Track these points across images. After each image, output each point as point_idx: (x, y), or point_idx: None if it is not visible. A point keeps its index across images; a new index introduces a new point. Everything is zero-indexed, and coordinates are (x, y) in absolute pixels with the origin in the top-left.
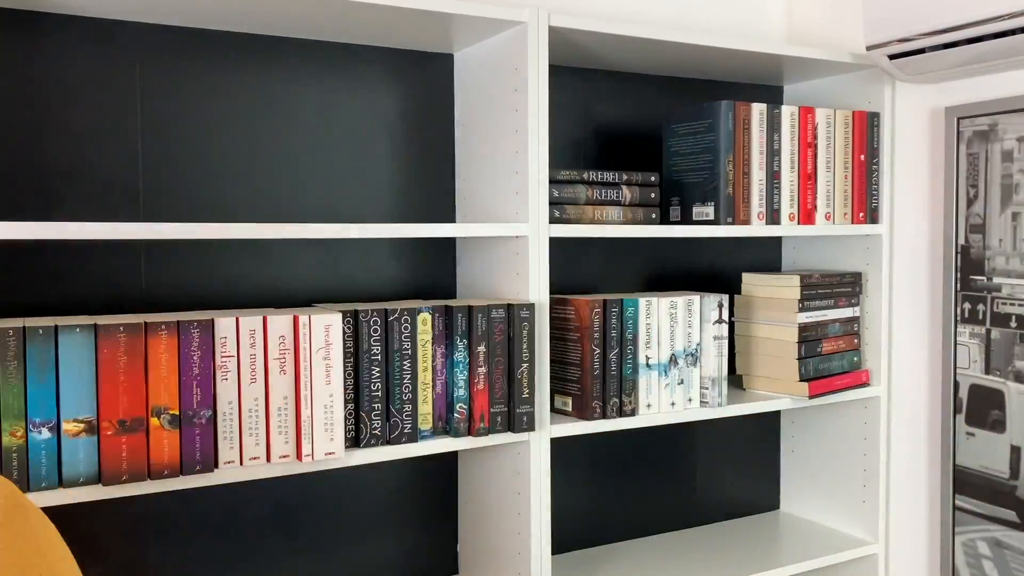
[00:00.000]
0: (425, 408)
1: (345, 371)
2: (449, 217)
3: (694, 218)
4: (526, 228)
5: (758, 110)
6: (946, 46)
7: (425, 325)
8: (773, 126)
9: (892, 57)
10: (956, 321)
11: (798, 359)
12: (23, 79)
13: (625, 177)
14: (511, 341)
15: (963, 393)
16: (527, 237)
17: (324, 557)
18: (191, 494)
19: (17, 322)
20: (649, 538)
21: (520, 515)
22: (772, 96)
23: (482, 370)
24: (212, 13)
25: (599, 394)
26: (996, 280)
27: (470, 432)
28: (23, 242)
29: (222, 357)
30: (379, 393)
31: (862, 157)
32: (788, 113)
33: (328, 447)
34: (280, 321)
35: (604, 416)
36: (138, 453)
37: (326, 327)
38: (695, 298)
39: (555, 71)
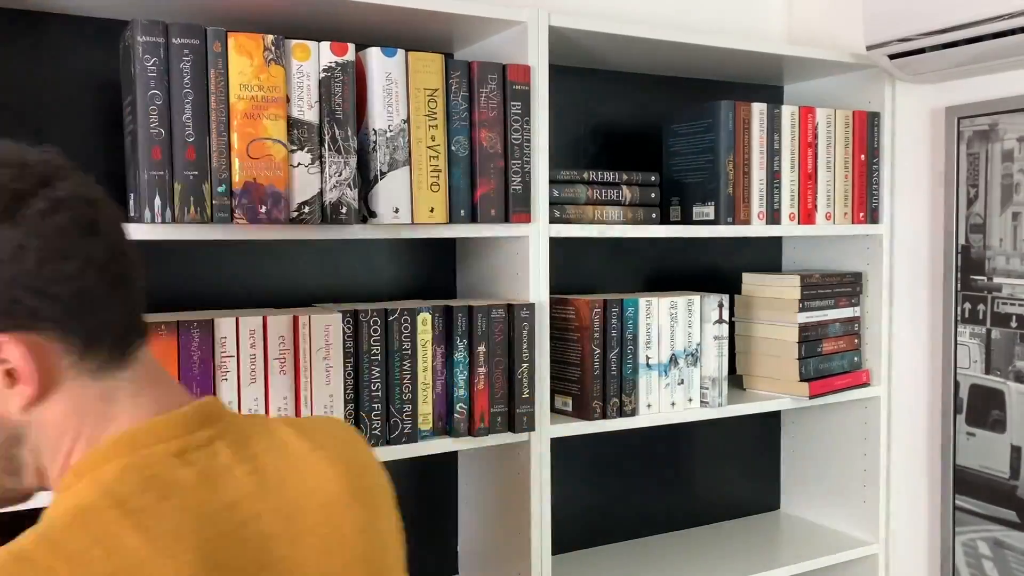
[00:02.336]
0: (425, 408)
1: (345, 371)
2: None
3: (694, 218)
4: (526, 228)
5: (758, 110)
6: (946, 46)
7: (425, 325)
8: (773, 126)
9: (892, 57)
10: (956, 321)
11: (798, 359)
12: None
13: (625, 177)
14: (511, 341)
15: (963, 393)
16: (527, 237)
17: None
18: None
19: None
20: (649, 538)
21: (520, 515)
22: (772, 96)
23: (482, 370)
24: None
25: (599, 394)
26: (996, 280)
27: (470, 432)
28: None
29: (222, 357)
30: (379, 393)
31: (862, 157)
32: (788, 113)
33: None
34: (280, 321)
35: (604, 416)
36: None
37: (326, 327)
38: (695, 298)
39: (555, 71)
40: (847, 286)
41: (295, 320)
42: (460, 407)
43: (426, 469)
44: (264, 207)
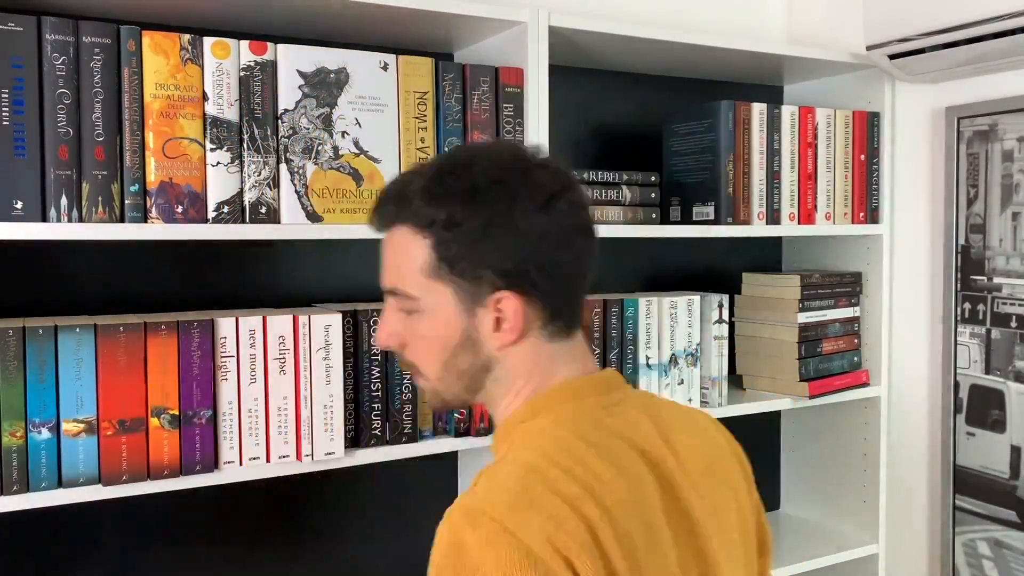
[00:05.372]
0: (425, 408)
1: (345, 371)
2: None
3: (694, 218)
4: None
5: (758, 110)
6: (946, 46)
7: None
8: (773, 126)
9: (892, 57)
10: (956, 321)
11: (798, 359)
12: None
13: (625, 177)
14: None
15: (963, 393)
16: None
17: (324, 557)
18: (191, 494)
19: (17, 322)
20: None
21: None
22: (772, 96)
23: None
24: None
25: None
26: (996, 280)
27: (470, 432)
28: (23, 242)
29: (222, 357)
30: (379, 393)
31: (862, 157)
32: (788, 113)
33: (328, 447)
34: (280, 321)
35: None
36: (138, 453)
37: (326, 327)
38: (695, 298)
39: (555, 71)
40: (847, 286)
41: (295, 320)
42: None
43: (426, 469)
44: (180, 207)
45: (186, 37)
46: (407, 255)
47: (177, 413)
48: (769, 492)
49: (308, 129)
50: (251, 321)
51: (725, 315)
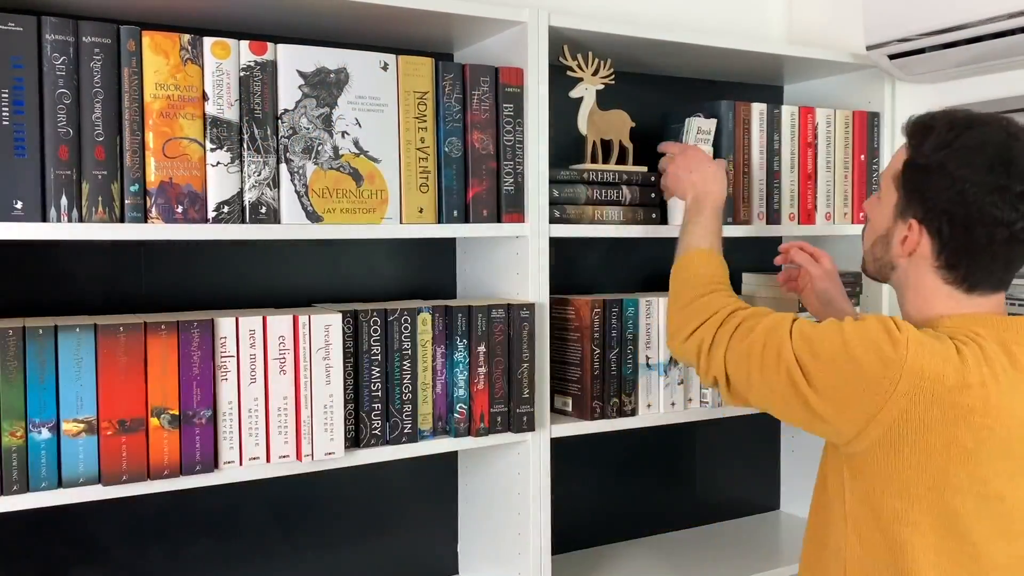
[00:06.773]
0: (425, 408)
1: (345, 371)
2: None
3: None
4: (526, 228)
5: (758, 110)
6: (946, 46)
7: (425, 325)
8: (773, 126)
9: (892, 57)
10: None
11: None
12: None
13: (625, 177)
14: (511, 341)
15: None
16: (527, 237)
17: (324, 557)
18: (191, 494)
19: (17, 322)
20: (649, 538)
21: (520, 515)
22: (772, 96)
23: (482, 370)
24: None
25: (599, 394)
26: None
27: (470, 432)
28: (23, 242)
29: (222, 357)
30: (379, 393)
31: (862, 157)
32: (788, 113)
33: (328, 447)
34: (280, 321)
35: (604, 416)
36: (138, 453)
37: (326, 327)
38: None
39: (555, 71)
40: (847, 286)
41: (295, 320)
42: (460, 407)
43: (426, 469)
44: (180, 207)
45: (186, 37)
46: (895, 158)
47: (177, 413)
48: (769, 492)
49: (308, 129)
50: (251, 321)
51: None
